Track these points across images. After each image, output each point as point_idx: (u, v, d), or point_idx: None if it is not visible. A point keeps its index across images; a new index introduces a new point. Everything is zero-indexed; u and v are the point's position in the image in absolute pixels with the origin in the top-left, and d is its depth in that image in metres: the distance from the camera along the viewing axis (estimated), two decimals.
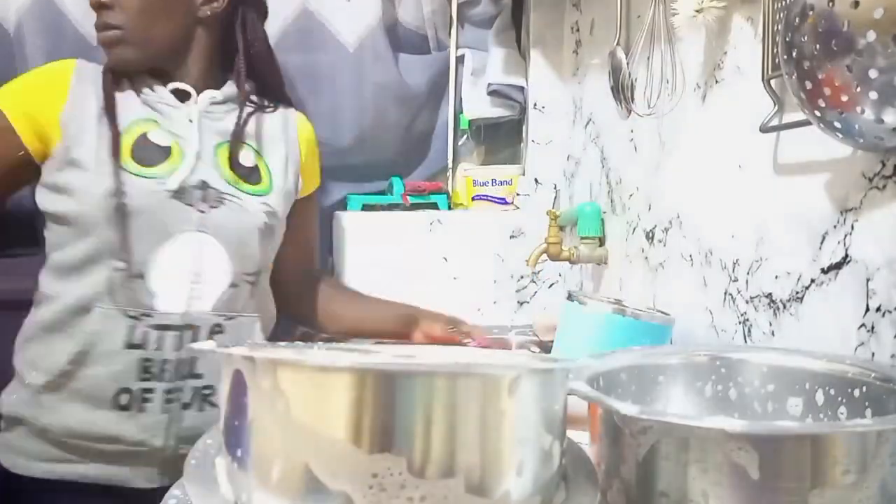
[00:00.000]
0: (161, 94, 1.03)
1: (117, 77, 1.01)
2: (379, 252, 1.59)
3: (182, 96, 1.03)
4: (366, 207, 1.62)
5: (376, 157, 1.63)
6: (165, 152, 0.99)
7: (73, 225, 0.95)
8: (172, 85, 1.03)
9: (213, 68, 1.07)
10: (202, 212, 0.99)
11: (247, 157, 1.07)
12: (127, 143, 0.97)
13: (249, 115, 1.09)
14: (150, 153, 0.98)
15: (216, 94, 1.06)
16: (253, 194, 1.05)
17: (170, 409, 0.96)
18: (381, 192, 1.65)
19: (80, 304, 0.94)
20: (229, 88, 1.07)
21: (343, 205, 1.64)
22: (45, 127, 0.96)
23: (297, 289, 1.19)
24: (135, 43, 1.00)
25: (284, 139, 1.12)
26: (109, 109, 0.97)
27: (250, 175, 1.06)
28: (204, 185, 1.00)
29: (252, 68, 1.08)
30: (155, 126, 1.00)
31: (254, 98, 1.11)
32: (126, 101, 1.00)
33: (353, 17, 1.57)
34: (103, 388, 0.94)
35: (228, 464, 0.49)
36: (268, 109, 1.13)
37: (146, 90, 1.02)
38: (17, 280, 1.05)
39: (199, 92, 1.05)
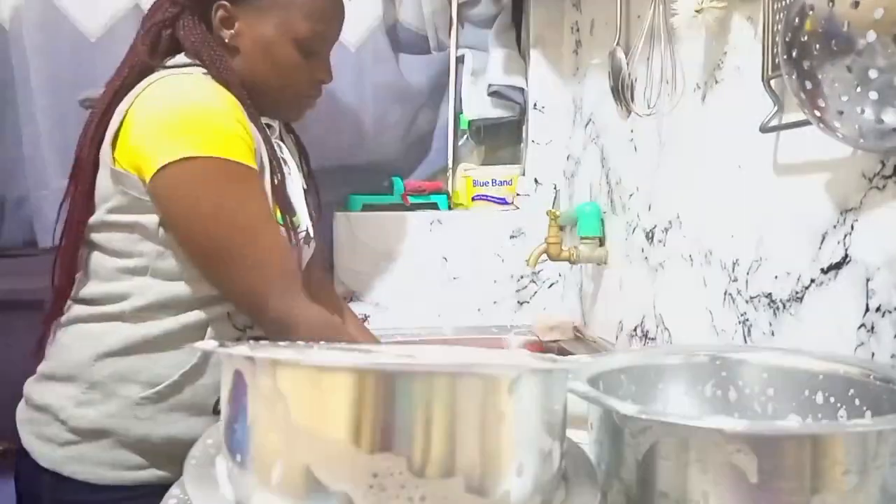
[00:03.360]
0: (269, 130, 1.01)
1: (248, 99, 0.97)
2: (379, 252, 1.59)
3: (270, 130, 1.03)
4: (366, 207, 1.62)
5: (376, 157, 1.63)
6: (289, 197, 0.99)
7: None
8: (265, 119, 1.01)
9: None
10: (310, 249, 1.05)
11: (302, 183, 1.10)
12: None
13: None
14: (287, 201, 0.98)
15: (277, 126, 1.07)
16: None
17: None
18: (381, 192, 1.65)
19: (200, 323, 0.93)
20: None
21: (343, 205, 1.64)
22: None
23: None
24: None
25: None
26: (277, 162, 0.96)
27: (311, 200, 1.10)
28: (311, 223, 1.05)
29: None
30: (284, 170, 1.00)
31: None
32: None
33: (355, 17, 1.56)
34: (207, 397, 0.93)
35: (229, 464, 0.49)
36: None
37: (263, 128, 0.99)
38: (16, 280, 1.04)
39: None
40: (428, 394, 0.44)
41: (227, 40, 0.98)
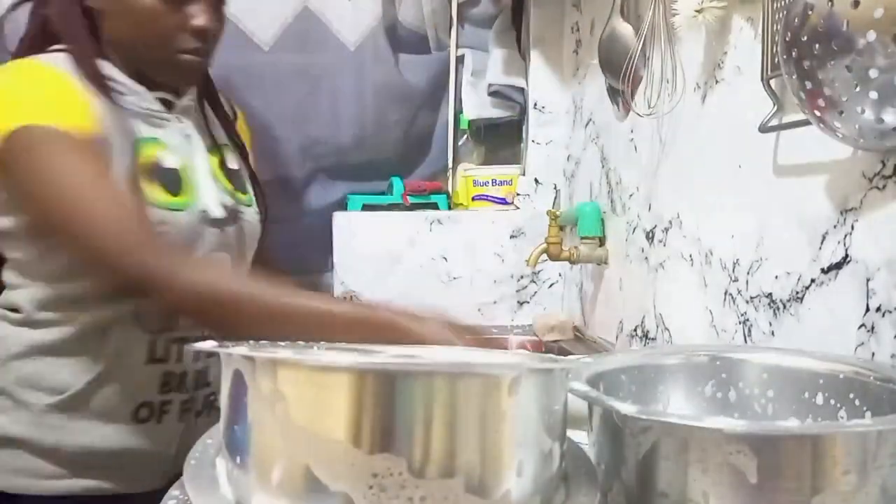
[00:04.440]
0: (150, 102, 0.94)
1: (99, 73, 0.90)
2: (379, 252, 1.59)
3: (166, 105, 0.97)
4: (366, 207, 1.62)
5: (376, 157, 1.63)
6: (178, 176, 0.93)
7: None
8: (157, 94, 0.95)
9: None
10: (222, 230, 0.97)
11: (231, 160, 1.04)
12: (146, 170, 0.90)
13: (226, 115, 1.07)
14: (169, 179, 0.92)
15: (188, 100, 0.99)
16: (247, 205, 1.03)
17: (186, 418, 0.96)
18: (381, 192, 1.65)
19: (99, 325, 0.91)
20: (190, 89, 1.00)
21: (343, 205, 1.64)
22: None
23: None
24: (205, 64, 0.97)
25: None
26: (124, 128, 0.89)
27: (238, 179, 1.04)
28: (219, 204, 0.97)
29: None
30: (161, 147, 0.93)
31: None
32: (123, 111, 0.91)
33: (354, 16, 1.57)
34: (123, 404, 0.92)
35: (229, 464, 0.49)
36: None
37: (133, 98, 0.93)
38: None
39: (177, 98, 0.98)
40: (428, 394, 0.44)
41: (90, 3, 0.91)
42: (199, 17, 0.92)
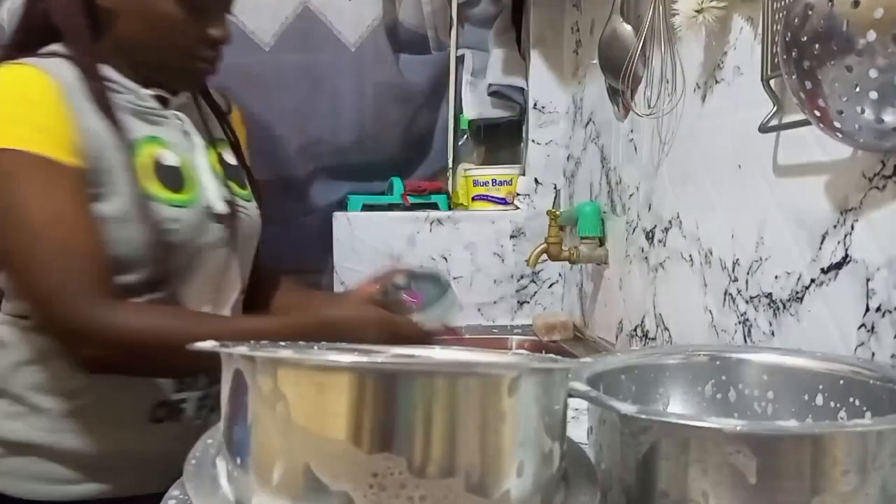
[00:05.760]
0: (147, 101, 0.92)
1: (100, 78, 0.88)
2: (379, 252, 1.59)
3: (162, 101, 0.94)
4: (366, 207, 1.62)
5: (376, 157, 1.63)
6: (179, 173, 0.91)
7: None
8: (154, 91, 0.93)
9: None
10: (225, 226, 0.96)
11: (230, 156, 1.03)
12: (147, 170, 0.88)
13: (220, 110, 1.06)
14: (171, 177, 0.90)
15: (184, 96, 0.98)
16: (246, 200, 1.01)
17: (201, 414, 0.95)
18: (381, 192, 1.65)
19: None
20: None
21: (343, 205, 1.64)
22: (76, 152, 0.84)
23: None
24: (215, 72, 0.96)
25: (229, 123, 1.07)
26: (121, 132, 0.86)
27: (236, 175, 1.02)
28: (221, 199, 0.95)
29: None
30: (161, 145, 0.91)
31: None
32: (120, 113, 0.88)
33: (354, 16, 1.57)
34: (139, 405, 0.91)
35: (229, 464, 0.49)
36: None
37: (130, 96, 0.90)
38: None
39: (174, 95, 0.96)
40: (428, 394, 0.44)
41: (100, 2, 0.88)
42: (216, 28, 0.92)
